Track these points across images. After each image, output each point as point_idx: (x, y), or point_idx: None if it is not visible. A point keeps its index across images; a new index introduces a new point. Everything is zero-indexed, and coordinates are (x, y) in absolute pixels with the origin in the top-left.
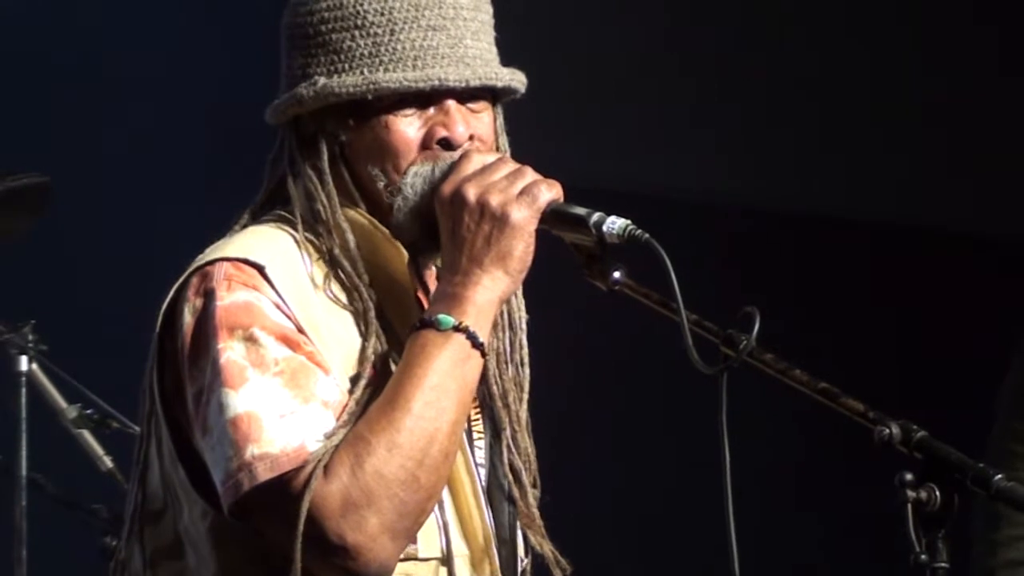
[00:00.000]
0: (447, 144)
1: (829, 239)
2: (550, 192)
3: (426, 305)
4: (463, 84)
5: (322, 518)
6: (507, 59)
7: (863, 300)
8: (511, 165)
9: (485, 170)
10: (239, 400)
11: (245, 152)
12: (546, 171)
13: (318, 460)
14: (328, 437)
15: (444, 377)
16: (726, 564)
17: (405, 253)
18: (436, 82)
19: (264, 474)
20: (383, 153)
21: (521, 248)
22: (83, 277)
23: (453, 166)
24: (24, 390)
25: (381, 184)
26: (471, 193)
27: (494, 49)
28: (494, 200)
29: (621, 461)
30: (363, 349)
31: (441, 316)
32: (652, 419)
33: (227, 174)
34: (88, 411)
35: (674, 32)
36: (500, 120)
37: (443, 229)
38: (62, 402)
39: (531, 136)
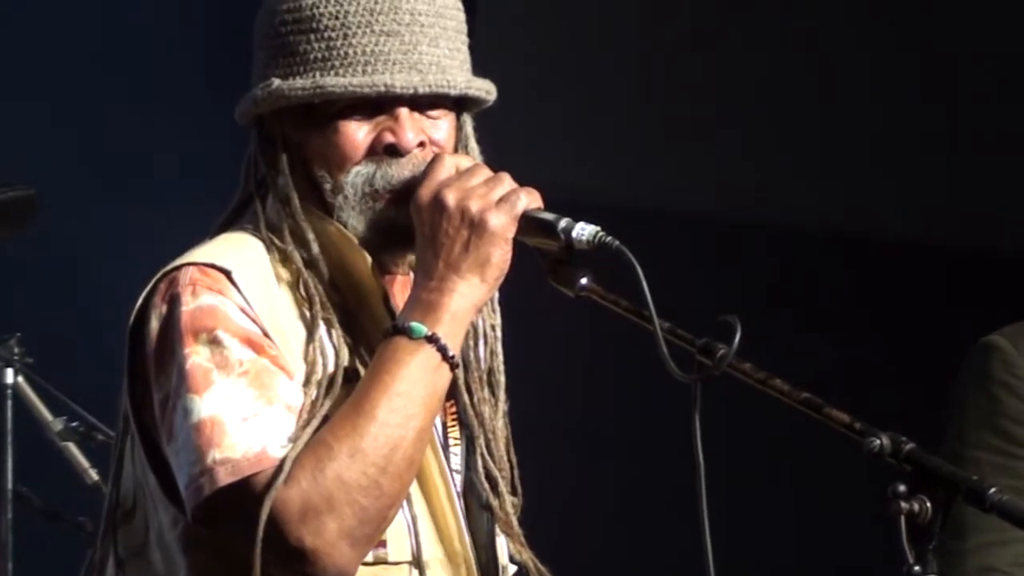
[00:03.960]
0: (393, 150)
1: (808, 253)
2: (528, 199)
3: (395, 310)
4: (411, 91)
5: (282, 522)
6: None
7: (841, 314)
8: (488, 171)
9: (463, 175)
10: (203, 405)
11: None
12: (522, 181)
13: (280, 464)
14: (292, 441)
15: (412, 384)
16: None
17: (369, 258)
18: (382, 88)
19: (225, 478)
20: (330, 155)
21: (499, 255)
22: (69, 290)
23: (427, 169)
24: (10, 403)
25: (327, 186)
26: (450, 198)
27: (459, 56)
28: (474, 206)
29: (605, 466)
30: (308, 347)
31: (414, 324)
32: (637, 424)
33: (219, 189)
34: (74, 424)
35: (670, 44)
36: (468, 128)
37: (419, 234)
38: (48, 415)
39: (506, 146)
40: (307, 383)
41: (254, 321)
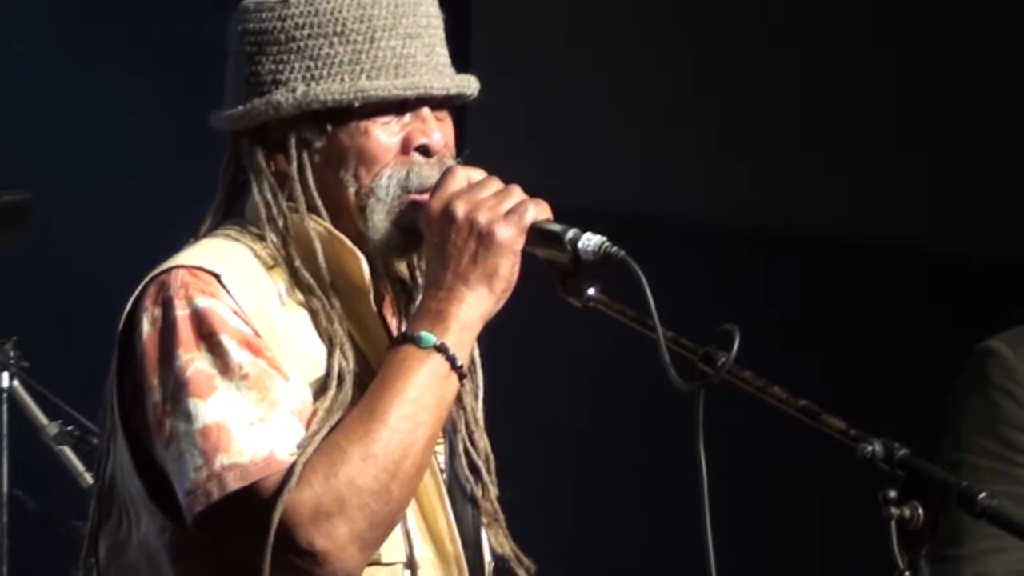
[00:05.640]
0: (425, 151)
1: (805, 259)
2: (537, 211)
3: (384, 315)
4: (444, 92)
5: (292, 525)
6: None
7: (839, 321)
8: (498, 183)
9: (474, 187)
10: (208, 410)
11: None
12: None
13: (291, 468)
14: (301, 447)
15: (422, 392)
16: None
17: (363, 260)
18: (421, 90)
19: (234, 483)
20: (358, 158)
21: (507, 267)
22: (64, 294)
23: (439, 181)
24: (5, 407)
25: (351, 189)
26: (460, 210)
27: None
28: (482, 218)
29: (596, 474)
30: (331, 359)
31: (423, 333)
32: (633, 431)
33: (211, 189)
34: (69, 428)
35: (660, 49)
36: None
37: (429, 244)
38: (43, 419)
39: (508, 150)
40: (323, 391)
41: (246, 323)
